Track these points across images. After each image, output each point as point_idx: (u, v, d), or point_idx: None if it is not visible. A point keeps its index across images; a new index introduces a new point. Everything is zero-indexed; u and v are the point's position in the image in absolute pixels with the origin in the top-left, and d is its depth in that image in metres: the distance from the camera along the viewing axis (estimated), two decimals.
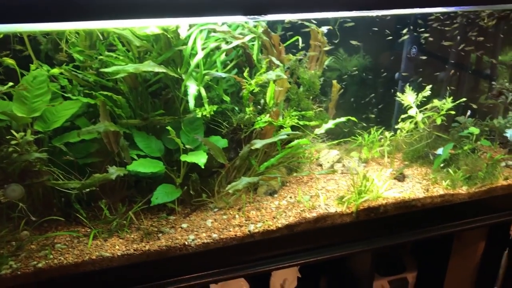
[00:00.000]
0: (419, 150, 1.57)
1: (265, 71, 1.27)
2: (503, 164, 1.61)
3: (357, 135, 1.62)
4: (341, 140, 1.55)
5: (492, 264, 1.73)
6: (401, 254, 2.01)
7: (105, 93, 1.14)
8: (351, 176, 1.46)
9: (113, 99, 1.14)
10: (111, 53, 1.18)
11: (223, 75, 1.19)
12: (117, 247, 1.20)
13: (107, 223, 1.21)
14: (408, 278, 1.93)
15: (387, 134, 1.56)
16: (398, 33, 1.65)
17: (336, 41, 1.53)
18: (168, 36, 1.10)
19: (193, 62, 1.13)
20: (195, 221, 1.30)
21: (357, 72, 1.68)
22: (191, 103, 1.11)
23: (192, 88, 1.11)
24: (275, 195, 1.42)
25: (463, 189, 1.50)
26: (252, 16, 1.13)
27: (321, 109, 1.48)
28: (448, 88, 1.62)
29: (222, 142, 1.24)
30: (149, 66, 1.08)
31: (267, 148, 1.40)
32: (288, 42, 1.42)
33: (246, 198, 1.39)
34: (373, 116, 1.68)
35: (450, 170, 1.50)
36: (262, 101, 1.25)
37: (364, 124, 1.62)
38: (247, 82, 1.20)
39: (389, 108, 1.64)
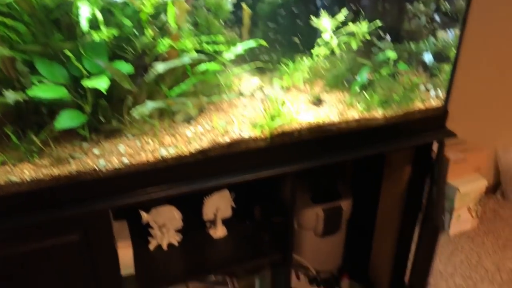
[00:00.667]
0: (340, 75, 1.59)
1: None
2: (422, 87, 1.64)
3: (281, 63, 1.63)
4: (255, 64, 1.56)
5: (417, 188, 1.79)
6: (337, 183, 2.07)
7: None
8: (268, 102, 1.48)
9: (7, 25, 1.14)
10: None
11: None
12: (26, 172, 1.22)
13: (15, 149, 1.23)
14: (342, 206, 2.00)
15: (306, 60, 1.58)
16: None
17: None
18: None
19: None
20: (108, 147, 1.33)
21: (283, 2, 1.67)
22: (84, 25, 1.11)
23: (84, 10, 1.11)
24: (192, 122, 1.45)
25: (379, 113, 1.53)
26: None
27: (233, 35, 1.48)
28: (370, 13, 1.62)
29: (126, 68, 1.25)
30: None
31: (182, 76, 1.42)
32: None
33: (162, 125, 1.41)
34: (297, 42, 1.68)
35: (366, 94, 1.53)
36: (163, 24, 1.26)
37: (278, 50, 1.63)
38: (142, 5, 1.19)
39: (313, 34, 1.64)
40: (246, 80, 1.61)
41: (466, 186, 2.65)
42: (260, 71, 1.66)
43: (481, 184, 2.70)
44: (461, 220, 2.74)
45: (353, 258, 2.29)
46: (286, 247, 1.69)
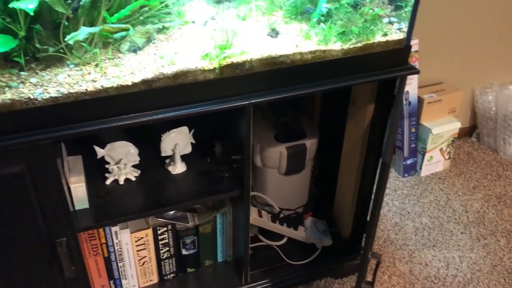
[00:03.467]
0: (298, 6, 1.51)
1: None
2: (386, 20, 1.57)
3: None
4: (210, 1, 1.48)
5: (380, 126, 1.76)
6: (302, 122, 2.04)
7: None
8: (220, 32, 1.41)
9: None
10: None
11: None
12: None
13: None
14: (306, 144, 1.98)
15: None
16: None
17: None
18: None
19: None
20: (47, 77, 1.27)
21: None
22: None
23: None
24: (139, 52, 1.39)
25: (336, 45, 1.47)
26: None
27: None
28: None
29: None
30: None
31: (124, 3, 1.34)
32: None
33: (106, 55, 1.35)
34: None
35: (323, 25, 1.46)
36: None
37: None
38: None
39: None
40: (200, 9, 1.53)
41: (439, 127, 2.63)
42: (217, 1, 1.57)
43: (454, 126, 2.68)
44: (433, 161, 2.73)
45: (318, 196, 2.29)
46: (244, 184, 1.68)
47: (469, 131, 3.08)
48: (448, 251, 2.28)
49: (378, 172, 1.77)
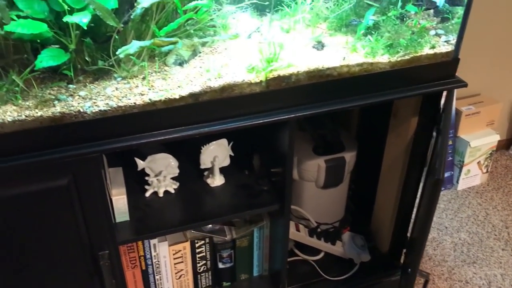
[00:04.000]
0: (343, 18, 1.49)
1: None
2: (432, 32, 1.54)
3: (282, 4, 1.54)
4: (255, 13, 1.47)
5: (423, 140, 1.72)
6: (341, 134, 2.01)
7: None
8: (265, 44, 1.40)
9: None
10: None
11: None
12: (9, 113, 1.18)
13: None
14: (345, 158, 1.94)
15: (308, 1, 1.48)
16: None
17: None
18: None
19: None
20: (96, 89, 1.27)
21: None
22: None
23: None
24: (185, 65, 1.38)
25: (383, 58, 1.44)
26: None
27: None
28: None
29: (111, 3, 1.17)
30: None
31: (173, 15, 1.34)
32: None
33: (153, 68, 1.34)
34: None
35: (371, 38, 1.43)
36: None
37: None
38: None
39: None
40: (244, 22, 1.52)
41: (478, 140, 2.57)
42: (260, 12, 1.56)
43: (493, 139, 2.61)
44: (470, 175, 2.66)
45: (355, 211, 2.25)
46: (284, 198, 1.65)
47: (507, 144, 3.01)
48: (490, 268, 2.21)
49: (421, 185, 1.73)
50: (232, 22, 1.53)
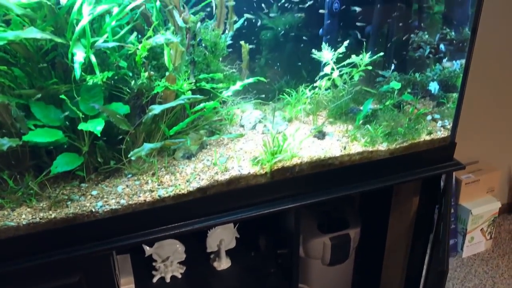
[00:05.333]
0: (343, 106, 1.56)
1: (171, 32, 1.26)
2: (429, 117, 1.60)
3: (284, 94, 1.62)
4: (257, 102, 1.55)
5: (426, 219, 1.75)
6: (345, 213, 2.03)
7: None
8: (269, 136, 1.46)
9: (2, 72, 1.14)
10: None
11: (110, 45, 1.17)
12: (23, 216, 1.22)
13: (13, 193, 1.23)
14: (350, 234, 1.96)
15: (308, 92, 1.55)
16: None
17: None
18: (49, 3, 1.09)
19: (77, 28, 1.11)
20: (107, 188, 1.32)
21: (286, 29, 1.66)
22: (77, 72, 1.10)
23: (79, 56, 1.10)
24: (193, 159, 1.43)
25: (382, 146, 1.50)
26: None
27: (233, 70, 1.46)
28: (375, 42, 1.59)
29: (123, 109, 1.24)
30: (32, 33, 1.07)
31: (181, 112, 1.40)
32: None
33: (162, 162, 1.39)
34: (304, 74, 1.66)
35: (369, 127, 1.49)
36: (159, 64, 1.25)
37: (281, 80, 1.61)
38: (135, 47, 1.18)
39: (317, 66, 1.62)
40: (248, 112, 1.59)
41: (479, 208, 2.59)
42: (263, 101, 1.64)
43: (494, 206, 2.63)
44: (474, 242, 2.67)
45: (360, 284, 2.24)
46: (291, 279, 1.66)
47: (508, 208, 3.02)
48: None
49: (426, 264, 1.74)
50: (236, 112, 1.60)
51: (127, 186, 1.33)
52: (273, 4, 1.60)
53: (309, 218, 2.01)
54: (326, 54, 1.48)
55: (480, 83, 2.47)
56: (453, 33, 1.52)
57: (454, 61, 1.55)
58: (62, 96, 1.15)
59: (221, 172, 1.37)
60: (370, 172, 1.51)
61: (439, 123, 1.59)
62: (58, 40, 1.12)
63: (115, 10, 1.18)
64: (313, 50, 1.53)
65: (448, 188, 1.56)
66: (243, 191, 1.40)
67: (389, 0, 1.66)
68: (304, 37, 1.64)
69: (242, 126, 1.56)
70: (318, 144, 1.49)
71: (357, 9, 1.55)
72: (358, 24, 1.67)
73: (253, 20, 1.57)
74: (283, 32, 1.68)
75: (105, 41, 1.19)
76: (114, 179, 1.34)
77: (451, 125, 1.58)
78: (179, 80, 1.27)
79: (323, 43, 1.51)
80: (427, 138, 1.54)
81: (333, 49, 1.50)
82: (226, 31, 1.44)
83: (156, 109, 1.22)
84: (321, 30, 1.64)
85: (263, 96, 1.62)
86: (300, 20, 1.64)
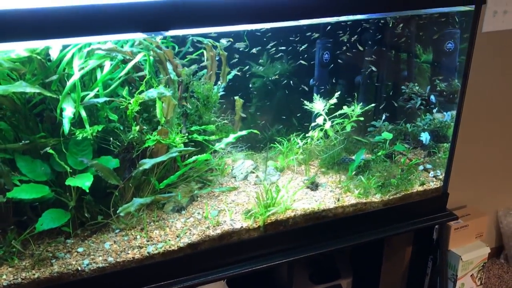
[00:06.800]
0: (335, 156, 1.54)
1: (163, 86, 1.24)
2: (421, 167, 1.60)
3: (276, 143, 1.60)
4: (249, 152, 1.53)
5: (419, 269, 1.72)
6: (337, 262, 1.99)
7: None
8: (264, 188, 1.43)
9: None
10: None
11: (101, 100, 1.15)
12: (4, 276, 1.15)
13: None
14: (342, 285, 1.91)
15: (300, 142, 1.54)
16: (313, 40, 1.62)
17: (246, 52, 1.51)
18: (39, 58, 1.06)
19: (68, 83, 1.09)
20: (94, 244, 1.26)
21: (276, 78, 1.66)
22: (66, 127, 1.07)
23: (68, 111, 1.07)
24: (183, 212, 1.39)
25: (376, 197, 1.48)
26: (150, 33, 1.10)
27: (226, 122, 1.45)
28: (365, 91, 1.60)
29: (113, 163, 1.21)
30: (20, 87, 1.04)
31: (172, 164, 1.37)
32: (180, 55, 1.40)
33: (151, 216, 1.35)
34: (295, 123, 1.66)
35: (363, 178, 1.48)
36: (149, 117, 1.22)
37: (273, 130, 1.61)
38: (127, 102, 1.16)
39: (308, 115, 1.62)
40: (239, 162, 1.56)
41: (469, 254, 2.55)
42: (255, 150, 1.62)
43: (484, 251, 2.60)
44: None
45: None
46: None
47: (496, 252, 3.01)
48: None
49: None
50: (228, 162, 1.57)
51: (114, 242, 1.27)
52: (264, 54, 1.61)
53: (301, 268, 1.96)
54: (318, 105, 1.48)
55: (468, 128, 2.49)
56: (443, 84, 1.53)
57: (444, 112, 1.56)
58: (50, 151, 1.11)
59: (213, 227, 1.33)
60: (363, 223, 1.49)
61: (431, 173, 1.59)
62: (48, 94, 1.09)
63: (107, 64, 1.17)
64: (305, 102, 1.52)
65: (443, 240, 1.54)
66: (236, 245, 1.36)
67: (377, 50, 1.68)
68: (294, 86, 1.64)
69: (234, 176, 1.53)
70: (312, 195, 1.47)
71: (346, 59, 1.56)
72: (347, 74, 1.68)
73: (244, 70, 1.57)
74: (273, 80, 1.68)
75: (96, 95, 1.16)
76: (101, 235, 1.29)
77: (443, 175, 1.57)
78: (171, 133, 1.24)
79: (314, 94, 1.51)
80: (420, 188, 1.53)
81: (324, 98, 1.50)
82: (219, 82, 1.43)
83: (147, 163, 1.18)
84: (311, 80, 1.65)
85: (255, 144, 1.60)
86: (291, 69, 1.65)
